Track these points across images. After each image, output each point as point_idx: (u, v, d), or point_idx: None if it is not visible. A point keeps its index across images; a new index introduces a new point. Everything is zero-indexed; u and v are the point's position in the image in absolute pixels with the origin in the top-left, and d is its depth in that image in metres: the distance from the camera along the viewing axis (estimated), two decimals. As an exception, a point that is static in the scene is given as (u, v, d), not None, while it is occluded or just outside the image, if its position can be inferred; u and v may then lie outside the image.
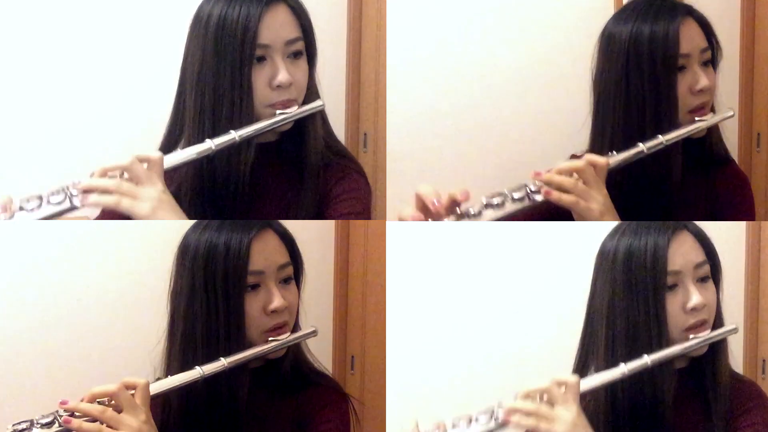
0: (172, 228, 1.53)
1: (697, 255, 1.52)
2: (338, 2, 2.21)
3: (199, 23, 1.56)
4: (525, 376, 2.02)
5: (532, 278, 2.10)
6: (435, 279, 2.09)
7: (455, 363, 2.07)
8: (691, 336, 1.50)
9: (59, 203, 1.42)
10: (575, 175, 1.53)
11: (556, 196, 1.52)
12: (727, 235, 2.15)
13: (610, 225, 1.57)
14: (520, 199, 1.54)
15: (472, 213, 1.51)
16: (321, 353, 2.15)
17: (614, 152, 1.59)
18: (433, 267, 2.09)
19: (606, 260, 1.55)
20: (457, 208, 1.49)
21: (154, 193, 1.43)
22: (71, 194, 1.43)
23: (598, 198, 1.53)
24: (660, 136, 1.60)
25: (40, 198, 1.42)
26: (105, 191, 1.43)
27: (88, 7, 1.99)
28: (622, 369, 1.47)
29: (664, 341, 1.49)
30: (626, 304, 1.51)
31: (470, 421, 1.42)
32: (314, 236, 2.25)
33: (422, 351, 2.07)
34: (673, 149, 1.62)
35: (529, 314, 2.09)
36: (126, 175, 1.44)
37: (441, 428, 1.42)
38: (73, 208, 1.43)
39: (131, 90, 2.01)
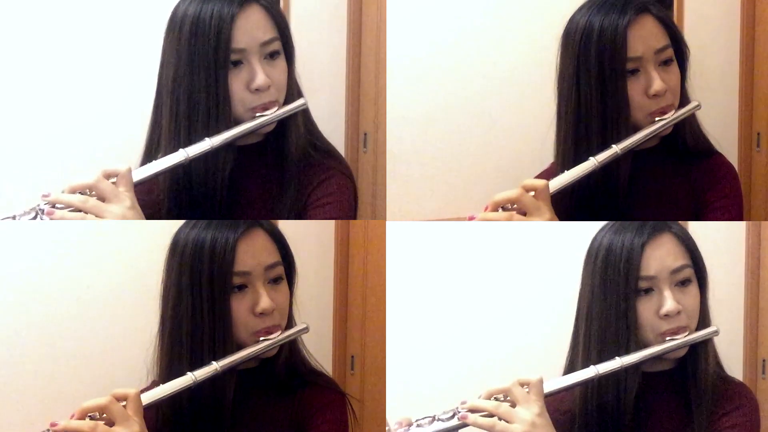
0: (171, 228, 1.53)
1: (676, 259, 1.48)
2: (338, 2, 2.21)
3: (174, 26, 1.54)
4: (524, 375, 2.02)
5: (532, 278, 2.09)
6: (435, 279, 2.08)
7: (455, 363, 2.07)
8: (668, 339, 1.47)
9: (30, 220, 1.41)
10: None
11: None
12: (727, 235, 2.15)
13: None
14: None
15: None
16: (321, 353, 2.15)
17: (565, 170, 1.53)
18: (433, 267, 2.09)
19: (590, 258, 1.52)
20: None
21: (118, 210, 1.42)
22: (41, 210, 1.42)
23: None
24: (614, 145, 1.52)
25: (13, 218, 1.42)
26: (71, 207, 1.42)
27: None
28: (593, 371, 1.45)
29: (632, 345, 1.46)
30: (600, 306, 1.49)
31: (433, 419, 1.41)
32: (314, 236, 2.25)
33: (422, 351, 2.07)
34: (620, 155, 1.54)
35: (529, 314, 2.09)
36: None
37: (404, 424, 1.41)
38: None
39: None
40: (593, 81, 1.54)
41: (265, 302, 1.47)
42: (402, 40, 2.10)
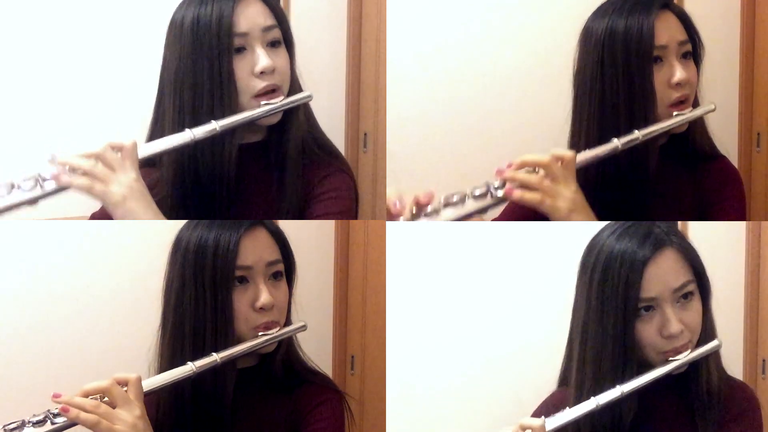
0: (170, 228, 1.53)
1: (678, 277, 1.42)
2: (338, 2, 2.21)
3: (174, 26, 1.56)
4: (525, 375, 2.02)
5: (532, 278, 2.09)
6: (435, 279, 2.09)
7: (455, 363, 2.07)
8: (670, 359, 1.42)
9: (30, 189, 1.40)
10: (541, 171, 1.45)
11: (518, 194, 1.43)
12: (727, 235, 2.15)
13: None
14: (482, 196, 1.44)
15: (429, 212, 1.42)
16: (321, 353, 2.16)
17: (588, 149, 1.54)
18: (433, 267, 2.09)
19: (585, 270, 1.48)
20: (414, 209, 1.42)
21: (125, 180, 1.42)
22: (42, 179, 1.41)
23: (566, 194, 1.44)
24: (636, 131, 1.54)
25: (12, 185, 1.40)
26: (79, 172, 1.41)
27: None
28: (593, 402, 1.39)
29: (630, 367, 1.41)
30: (596, 325, 1.43)
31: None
32: (314, 236, 2.25)
33: (422, 351, 2.07)
34: (650, 145, 1.57)
35: (529, 314, 2.09)
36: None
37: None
38: (43, 195, 1.41)
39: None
40: (620, 70, 1.57)
41: (265, 297, 1.49)
42: (402, 40, 2.10)
